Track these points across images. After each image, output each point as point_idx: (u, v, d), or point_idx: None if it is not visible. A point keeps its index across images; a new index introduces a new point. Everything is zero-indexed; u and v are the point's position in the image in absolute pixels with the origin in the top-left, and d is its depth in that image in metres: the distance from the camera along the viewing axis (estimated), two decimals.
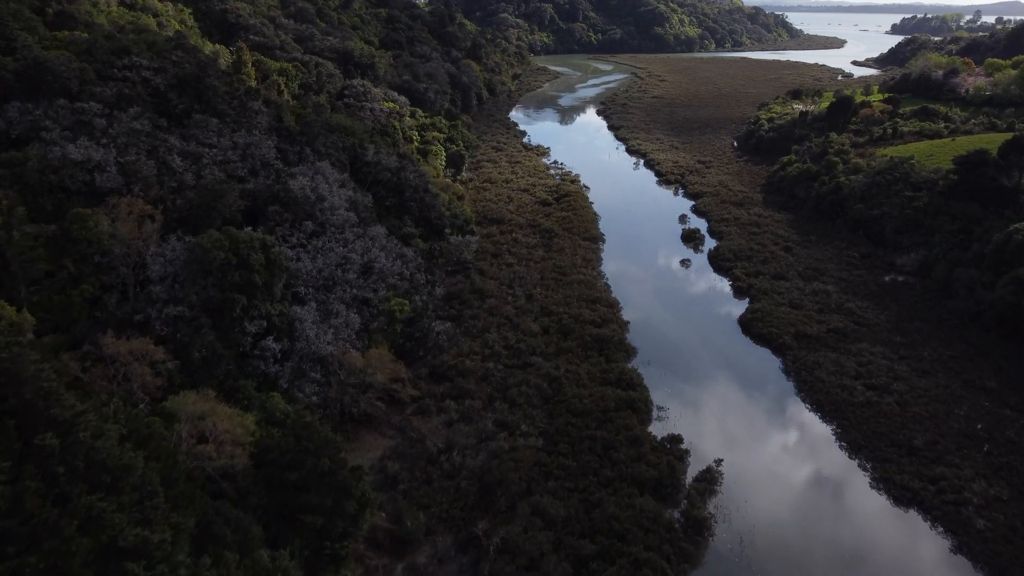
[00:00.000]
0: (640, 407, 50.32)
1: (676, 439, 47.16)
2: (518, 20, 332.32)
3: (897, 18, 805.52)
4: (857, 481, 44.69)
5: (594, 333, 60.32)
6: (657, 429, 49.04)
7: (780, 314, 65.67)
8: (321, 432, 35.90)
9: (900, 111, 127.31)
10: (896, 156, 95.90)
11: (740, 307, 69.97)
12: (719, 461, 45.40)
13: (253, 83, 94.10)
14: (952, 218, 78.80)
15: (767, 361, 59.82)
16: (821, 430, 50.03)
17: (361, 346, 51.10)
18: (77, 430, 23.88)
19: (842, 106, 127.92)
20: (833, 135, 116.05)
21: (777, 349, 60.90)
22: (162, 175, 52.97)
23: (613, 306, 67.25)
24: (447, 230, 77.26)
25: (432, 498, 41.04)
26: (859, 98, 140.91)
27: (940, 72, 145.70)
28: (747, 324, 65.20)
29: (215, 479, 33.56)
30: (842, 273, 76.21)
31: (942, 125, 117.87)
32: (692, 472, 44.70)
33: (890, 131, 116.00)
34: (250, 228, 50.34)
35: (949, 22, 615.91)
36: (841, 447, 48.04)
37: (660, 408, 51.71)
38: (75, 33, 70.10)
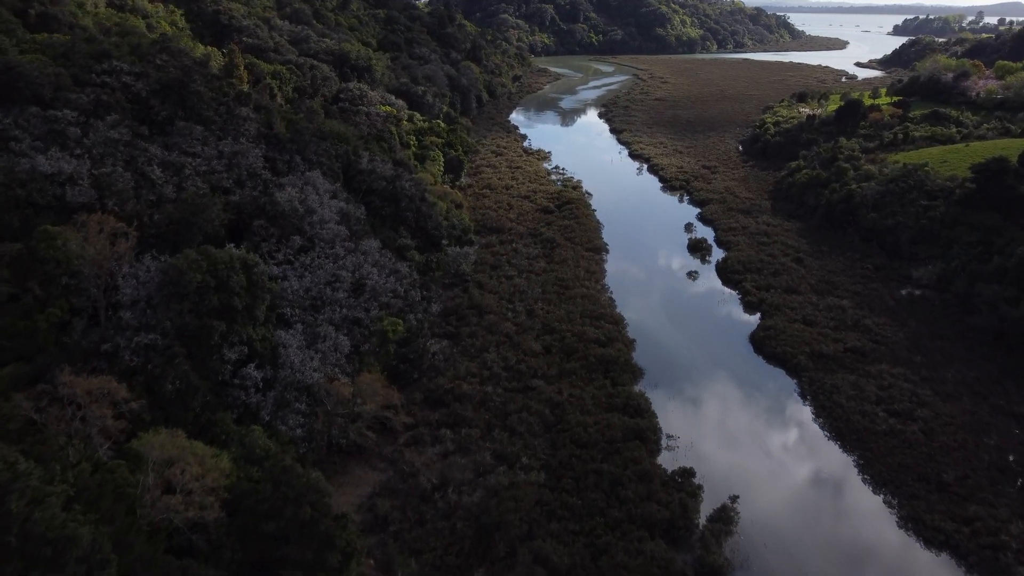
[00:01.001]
0: (649, 436, 47.10)
1: (688, 473, 43.95)
2: (519, 21, 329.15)
3: (898, 19, 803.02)
4: (884, 520, 41.49)
5: (599, 353, 57.12)
6: (667, 461, 45.82)
7: (794, 331, 62.47)
8: (302, 477, 32.74)
9: (910, 115, 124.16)
10: (910, 163, 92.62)
11: (751, 323, 66.80)
12: (735, 498, 42.21)
13: (245, 87, 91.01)
14: (971, 229, 75.59)
15: (781, 383, 56.64)
16: (842, 461, 46.81)
17: (351, 370, 47.96)
18: (10, 499, 20.71)
19: (851, 110, 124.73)
20: (842, 140, 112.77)
21: (792, 370, 57.70)
22: (140, 188, 49.80)
23: (618, 323, 64.05)
24: (444, 241, 74.10)
25: (425, 542, 37.85)
26: (867, 101, 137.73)
27: (950, 75, 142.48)
28: (759, 342, 61.99)
29: (184, 531, 30.38)
30: (856, 286, 72.99)
31: (954, 130, 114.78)
32: (706, 510, 41.50)
33: (901, 136, 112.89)
34: (232, 245, 47.18)
35: (951, 23, 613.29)
36: (864, 481, 44.83)
37: (670, 437, 48.51)
38: (54, 36, 66.94)
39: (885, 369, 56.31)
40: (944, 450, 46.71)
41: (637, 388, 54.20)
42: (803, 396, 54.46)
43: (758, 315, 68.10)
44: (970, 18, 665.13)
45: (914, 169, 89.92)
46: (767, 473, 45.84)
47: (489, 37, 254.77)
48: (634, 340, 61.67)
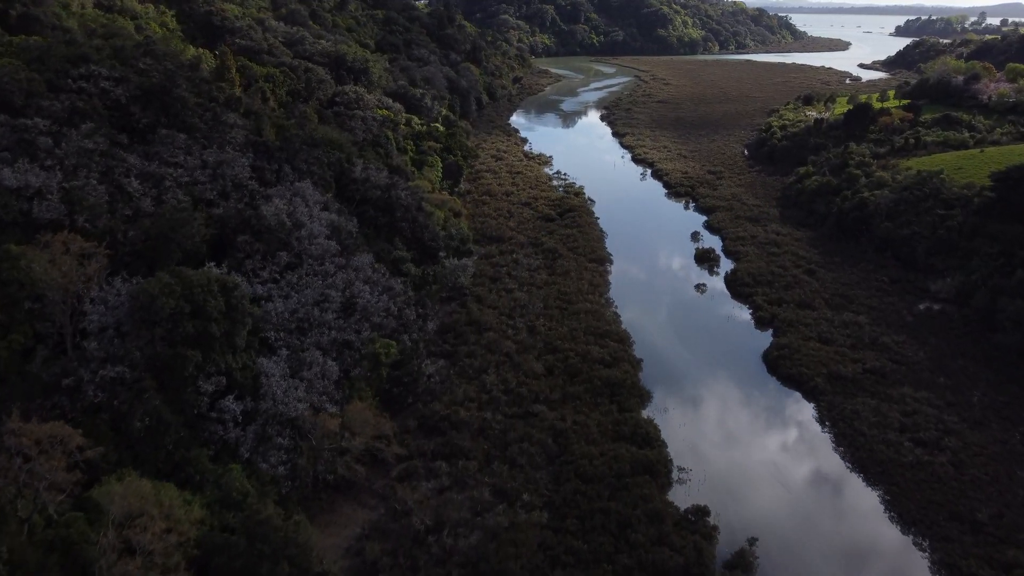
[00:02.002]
0: (659, 469, 43.91)
1: (702, 511, 40.75)
2: (519, 22, 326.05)
3: (899, 19, 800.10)
4: (916, 565, 38.31)
5: (604, 375, 53.93)
6: (679, 496, 42.63)
7: (809, 350, 59.27)
8: (280, 530, 29.59)
9: (921, 119, 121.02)
10: (924, 170, 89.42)
11: (763, 340, 63.62)
12: (753, 541, 39.01)
13: (237, 90, 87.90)
14: (991, 240, 72.37)
15: (798, 407, 53.45)
16: (867, 496, 43.61)
17: (340, 397, 44.79)
18: None
19: (860, 114, 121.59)
20: (852, 145, 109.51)
21: (809, 393, 54.50)
22: (115, 202, 46.64)
23: (624, 341, 60.87)
24: (442, 253, 70.91)
25: None
26: (876, 105, 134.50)
27: (960, 78, 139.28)
28: (773, 362, 58.78)
29: None
30: (872, 300, 69.79)
31: (967, 134, 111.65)
32: (722, 554, 38.32)
33: (912, 141, 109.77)
34: (212, 265, 44.08)
35: (954, 24, 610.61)
36: (892, 519, 41.64)
37: (681, 469, 45.27)
38: (31, 39, 63.77)
39: (908, 393, 53.11)
40: (976, 484, 43.52)
41: (645, 414, 51.02)
42: (822, 422, 51.26)
43: (770, 331, 64.92)
44: (972, 19, 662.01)
45: (929, 176, 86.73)
46: (787, 510, 42.66)
47: (489, 38, 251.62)
48: (641, 360, 58.49)
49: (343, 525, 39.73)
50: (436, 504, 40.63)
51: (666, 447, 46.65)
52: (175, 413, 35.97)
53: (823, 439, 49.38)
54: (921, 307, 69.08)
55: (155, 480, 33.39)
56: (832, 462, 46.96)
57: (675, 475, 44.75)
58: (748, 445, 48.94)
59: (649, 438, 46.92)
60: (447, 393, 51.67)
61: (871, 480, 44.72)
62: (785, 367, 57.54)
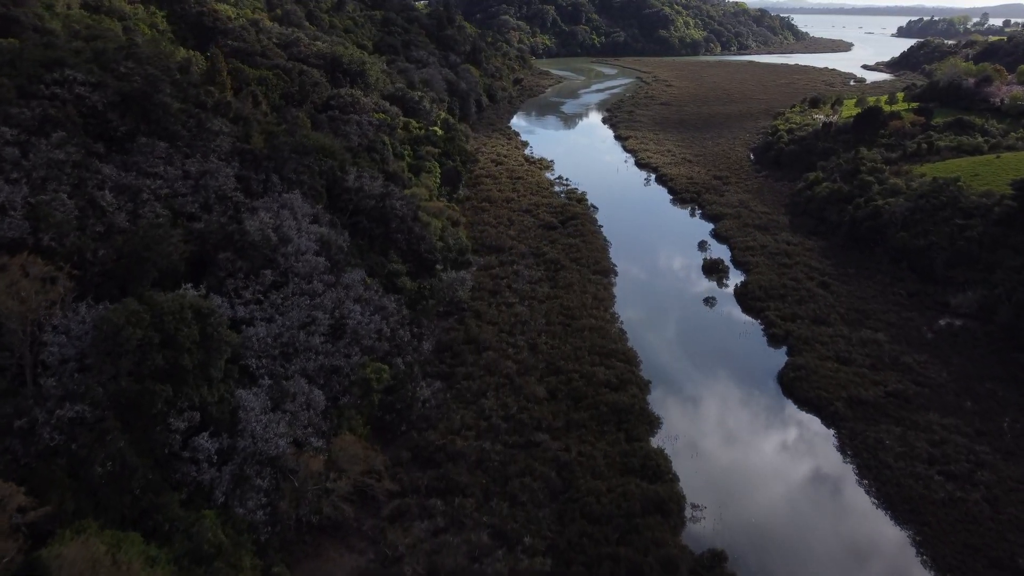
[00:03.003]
0: (671, 507, 40.63)
1: (719, 557, 37.47)
2: (520, 22, 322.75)
3: (899, 20, 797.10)
4: None
5: (610, 400, 50.63)
6: (694, 538, 39.38)
7: (827, 372, 56.01)
8: None
9: (933, 123, 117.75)
10: (940, 177, 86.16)
11: (777, 359, 60.36)
12: None
13: (229, 94, 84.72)
14: (1015, 252, 69.15)
15: (817, 434, 50.16)
16: (896, 537, 40.34)
17: (327, 428, 41.55)
18: None
19: (870, 117, 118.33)
20: (863, 150, 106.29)
21: (828, 419, 51.22)
22: (85, 217, 43.38)
23: (631, 360, 57.59)
24: (439, 265, 67.65)
25: None
26: (886, 108, 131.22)
27: (971, 80, 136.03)
28: (789, 384, 55.51)
29: None
30: (890, 315, 66.53)
31: (980, 139, 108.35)
32: None
33: (925, 146, 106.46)
34: (189, 287, 40.85)
35: (956, 25, 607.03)
36: (925, 563, 38.37)
37: (695, 506, 42.01)
38: (7, 40, 60.51)
39: (934, 419, 49.84)
40: (1015, 525, 40.25)
41: (655, 442, 47.75)
42: (843, 451, 47.98)
43: (785, 349, 61.67)
44: (975, 19, 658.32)
45: (945, 184, 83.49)
46: (810, 553, 39.35)
47: (489, 39, 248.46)
48: (649, 382, 55.21)
49: (328, 572, 36.50)
50: (430, 548, 37.38)
51: (678, 481, 43.38)
52: (142, 455, 32.73)
53: (846, 471, 46.09)
54: (942, 323, 65.84)
55: (119, 531, 30.22)
56: (857, 497, 43.68)
57: (688, 513, 41.49)
58: (765, 479, 45.65)
59: (660, 471, 43.66)
60: (443, 420, 48.43)
61: (900, 518, 41.44)
62: (802, 390, 54.25)
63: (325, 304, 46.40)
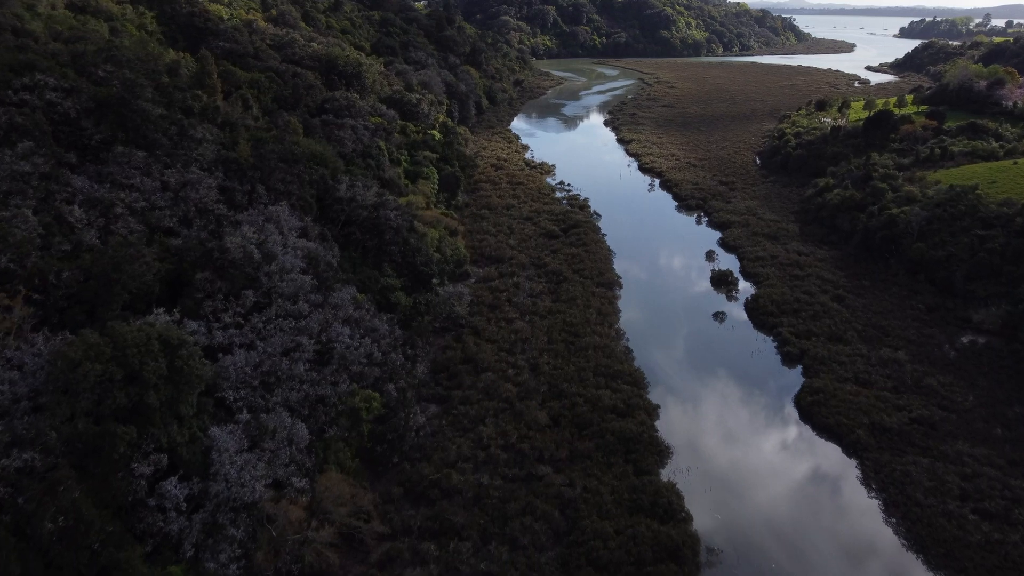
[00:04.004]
0: (684, 553, 37.35)
1: None
2: (520, 23, 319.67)
3: (900, 20, 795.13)
4: None
5: (617, 428, 47.33)
6: None
7: (846, 395, 52.74)
8: None
9: (945, 127, 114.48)
10: (957, 185, 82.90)
11: (793, 379, 57.12)
12: None
13: (219, 98, 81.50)
14: None
15: (839, 465, 46.85)
16: None
17: (311, 464, 38.29)
18: None
19: (880, 121, 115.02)
20: (874, 155, 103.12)
21: (850, 448, 47.92)
22: (51, 235, 40.11)
23: (638, 383, 54.32)
24: (435, 280, 64.36)
25: None
26: (895, 111, 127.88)
27: (983, 83, 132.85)
28: (807, 409, 52.22)
29: None
30: (910, 332, 63.26)
31: (995, 144, 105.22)
32: None
33: (938, 151, 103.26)
34: (162, 311, 37.56)
35: (959, 26, 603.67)
36: None
37: (711, 550, 38.75)
38: None
39: (964, 449, 46.55)
40: None
41: (665, 475, 44.46)
42: (867, 484, 44.67)
43: (800, 368, 58.42)
44: (977, 20, 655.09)
45: (963, 192, 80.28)
46: None
47: (489, 40, 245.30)
48: (658, 406, 51.94)
49: None
50: None
51: (691, 521, 40.13)
52: (101, 505, 29.46)
53: (871, 507, 42.79)
54: (964, 340, 62.56)
55: None
56: (885, 538, 40.38)
57: (704, 557, 38.23)
58: (784, 517, 42.33)
59: (671, 510, 40.39)
60: (438, 450, 45.16)
61: (934, 563, 38.15)
62: (821, 415, 50.96)
63: (311, 327, 43.13)
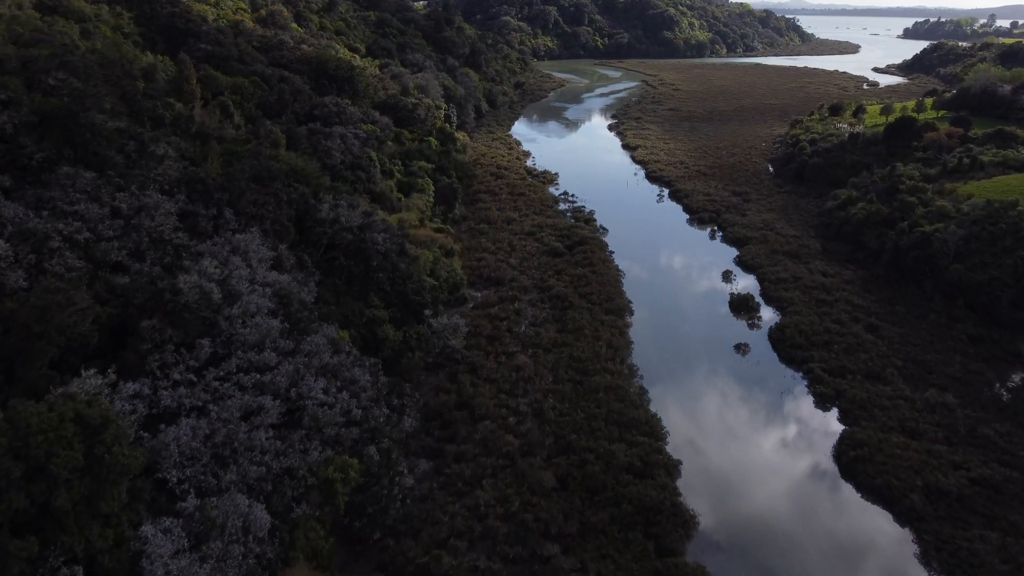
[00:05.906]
0: None
1: None
2: (521, 23, 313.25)
3: (903, 21, 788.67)
4: None
5: (634, 494, 40.97)
6: None
7: (893, 449, 46.36)
8: None
9: (971, 134, 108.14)
10: (995, 200, 76.46)
11: (828, 424, 50.81)
12: None
13: (197, 105, 75.25)
14: None
15: (892, 538, 40.47)
16: None
17: (274, 554, 31.93)
18: None
19: (903, 128, 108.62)
20: (899, 165, 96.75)
21: (902, 515, 41.56)
22: None
23: (655, 432, 47.93)
24: (427, 310, 58.00)
25: None
26: (917, 117, 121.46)
27: (1007, 87, 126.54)
28: (849, 466, 45.80)
29: None
30: (954, 369, 56.93)
31: None
32: None
33: (967, 161, 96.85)
34: (93, 371, 31.23)
35: (963, 26, 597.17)
36: None
37: None
38: None
39: None
40: None
41: (691, 554, 38.12)
42: (928, 564, 38.33)
43: (836, 413, 52.06)
44: (982, 21, 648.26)
45: (1003, 208, 73.85)
46: None
47: (489, 41, 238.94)
48: (679, 462, 45.58)
49: None
50: None
51: None
52: None
53: None
54: (1017, 378, 56.23)
55: None
56: None
57: None
58: None
59: None
60: (428, 522, 38.81)
61: None
62: (866, 474, 44.56)
63: (278, 382, 36.78)
